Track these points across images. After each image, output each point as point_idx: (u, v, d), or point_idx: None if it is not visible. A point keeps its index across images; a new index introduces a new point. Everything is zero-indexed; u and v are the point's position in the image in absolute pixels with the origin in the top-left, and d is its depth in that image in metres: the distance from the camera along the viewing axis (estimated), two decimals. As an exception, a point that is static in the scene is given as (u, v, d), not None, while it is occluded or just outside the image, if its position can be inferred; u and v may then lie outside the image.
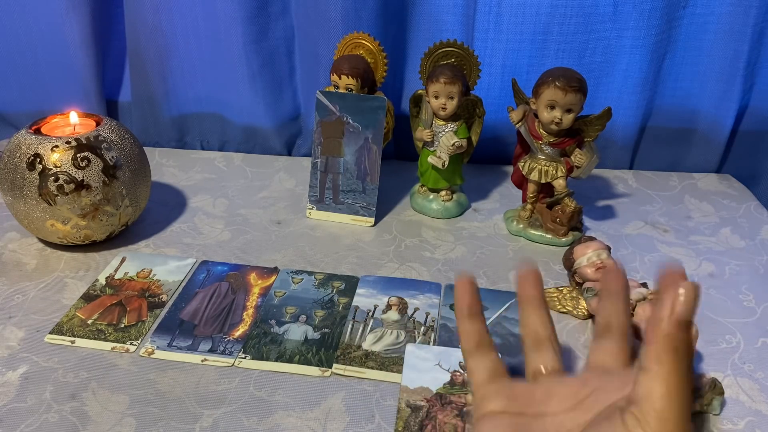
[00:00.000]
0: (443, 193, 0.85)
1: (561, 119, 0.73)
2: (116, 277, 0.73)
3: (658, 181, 0.96)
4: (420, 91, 0.83)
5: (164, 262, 0.75)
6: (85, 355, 0.62)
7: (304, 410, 0.56)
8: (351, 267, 0.75)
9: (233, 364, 0.61)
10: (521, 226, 0.82)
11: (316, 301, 0.69)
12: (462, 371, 0.59)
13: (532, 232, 0.81)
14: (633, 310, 0.61)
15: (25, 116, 1.03)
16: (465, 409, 0.55)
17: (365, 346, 0.63)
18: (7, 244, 0.79)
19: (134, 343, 0.63)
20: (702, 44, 0.90)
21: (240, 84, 0.98)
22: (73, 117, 0.78)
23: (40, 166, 0.70)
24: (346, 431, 0.54)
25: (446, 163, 0.81)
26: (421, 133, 0.83)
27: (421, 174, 0.86)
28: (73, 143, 0.71)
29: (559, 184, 0.78)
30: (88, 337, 0.64)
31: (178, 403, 0.56)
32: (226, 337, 0.64)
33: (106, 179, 0.72)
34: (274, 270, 0.74)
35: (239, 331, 0.65)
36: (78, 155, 0.71)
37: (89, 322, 0.66)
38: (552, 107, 0.73)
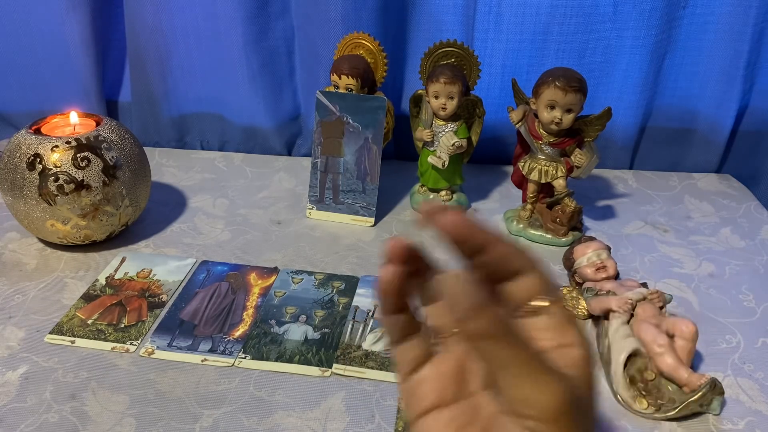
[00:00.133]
0: (443, 193, 0.85)
1: (561, 119, 0.73)
2: (116, 277, 0.73)
3: (658, 181, 0.96)
4: (420, 91, 0.83)
5: (164, 262, 0.75)
6: (85, 355, 0.62)
7: (304, 410, 0.56)
8: (351, 267, 0.75)
9: (233, 364, 0.61)
10: (521, 226, 0.82)
11: (316, 301, 0.69)
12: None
13: (532, 232, 0.81)
14: (633, 310, 0.61)
15: (25, 116, 1.03)
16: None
17: (365, 346, 0.63)
18: (7, 244, 0.79)
19: (134, 343, 0.63)
20: (702, 44, 0.90)
21: (240, 84, 0.98)
22: (73, 117, 0.78)
23: (40, 166, 0.70)
24: (346, 431, 0.54)
25: (446, 163, 0.81)
26: (421, 133, 0.82)
27: (421, 174, 0.86)
28: (73, 143, 0.71)
29: (559, 184, 0.78)
30: (88, 337, 0.64)
31: (178, 403, 0.56)
32: (226, 337, 0.64)
33: (106, 179, 0.72)
34: (274, 270, 0.74)
35: (239, 331, 0.65)
36: (78, 155, 0.71)
37: (89, 322, 0.66)
38: (552, 107, 0.73)
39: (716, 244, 0.81)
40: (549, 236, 0.80)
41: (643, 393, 0.56)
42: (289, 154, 1.04)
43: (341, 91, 0.81)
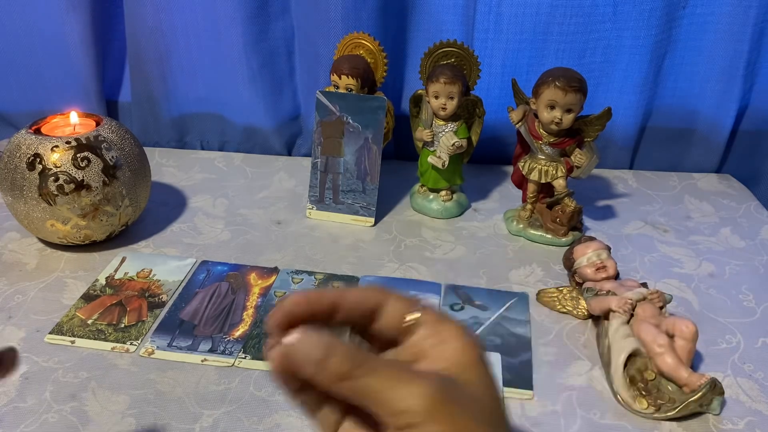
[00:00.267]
0: (443, 193, 0.85)
1: (561, 119, 0.73)
2: (116, 277, 0.73)
3: (658, 181, 0.96)
4: (420, 91, 0.83)
5: (164, 262, 0.75)
6: (85, 355, 0.62)
7: (304, 410, 0.56)
8: (351, 267, 0.75)
9: (233, 364, 0.61)
10: (521, 226, 0.82)
11: (316, 301, 0.69)
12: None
13: (532, 232, 0.81)
14: (633, 310, 0.61)
15: (25, 116, 1.03)
16: None
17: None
18: (7, 244, 0.79)
19: (134, 343, 0.63)
20: (702, 44, 0.90)
21: (240, 84, 0.98)
22: (73, 117, 0.78)
23: (40, 166, 0.70)
24: (346, 431, 0.54)
25: (446, 163, 0.81)
26: (421, 133, 0.82)
27: (421, 174, 0.86)
28: (73, 143, 0.71)
29: (559, 184, 0.78)
30: (88, 337, 0.64)
31: (178, 403, 0.56)
32: (226, 337, 0.64)
33: (106, 179, 0.72)
34: (274, 270, 0.74)
35: (239, 331, 0.65)
36: (78, 155, 0.71)
37: (89, 322, 0.66)
38: (552, 107, 0.73)
39: (716, 244, 0.81)
40: (549, 236, 0.80)
41: (643, 393, 0.56)
42: (289, 154, 1.04)
43: (341, 91, 0.81)
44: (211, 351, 0.62)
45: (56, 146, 0.71)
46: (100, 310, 0.68)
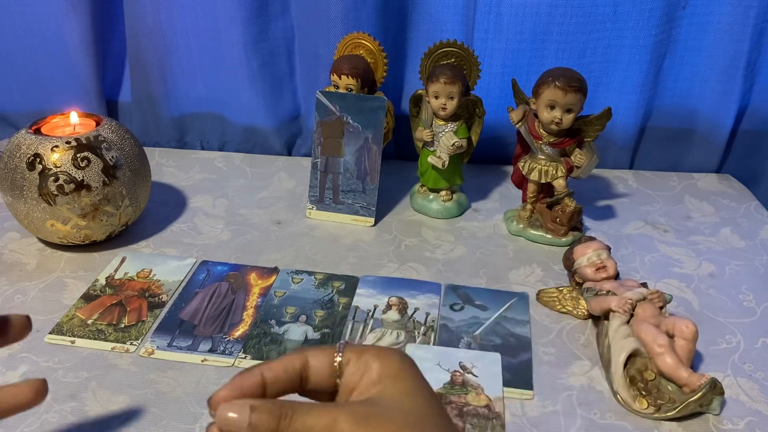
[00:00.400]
0: (443, 193, 0.85)
1: (561, 119, 0.73)
2: (116, 277, 0.73)
3: (658, 181, 0.96)
4: (420, 91, 0.83)
5: (164, 262, 0.75)
6: (85, 355, 0.62)
7: (304, 410, 0.56)
8: (351, 267, 0.75)
9: (233, 364, 0.61)
10: (521, 226, 0.82)
11: (316, 301, 0.69)
12: (462, 371, 0.59)
13: (532, 232, 0.81)
14: (633, 310, 0.61)
15: (25, 116, 1.03)
16: (465, 409, 0.55)
17: (365, 346, 0.63)
18: (7, 244, 0.79)
19: (134, 343, 0.63)
20: (702, 44, 0.90)
21: (240, 84, 0.98)
22: (73, 117, 0.78)
23: (40, 166, 0.70)
24: (346, 431, 0.54)
25: (446, 163, 0.81)
26: (421, 133, 0.83)
27: (421, 174, 0.86)
28: (73, 143, 0.71)
29: (559, 184, 0.78)
30: (88, 337, 0.64)
31: (178, 403, 0.56)
32: (226, 337, 0.64)
33: (106, 179, 0.72)
34: (274, 270, 0.74)
35: (239, 331, 0.65)
36: (78, 155, 0.71)
37: (89, 322, 0.66)
38: (552, 107, 0.73)
39: (716, 244, 0.81)
40: (549, 236, 0.80)
41: (643, 393, 0.56)
42: (289, 154, 1.04)
43: (341, 91, 0.81)
44: (211, 351, 0.62)
45: (56, 146, 0.71)
46: (100, 310, 0.68)
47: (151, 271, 0.74)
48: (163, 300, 0.69)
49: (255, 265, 0.75)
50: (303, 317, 0.67)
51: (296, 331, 0.65)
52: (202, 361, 0.61)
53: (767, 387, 0.59)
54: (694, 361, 0.60)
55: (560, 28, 0.88)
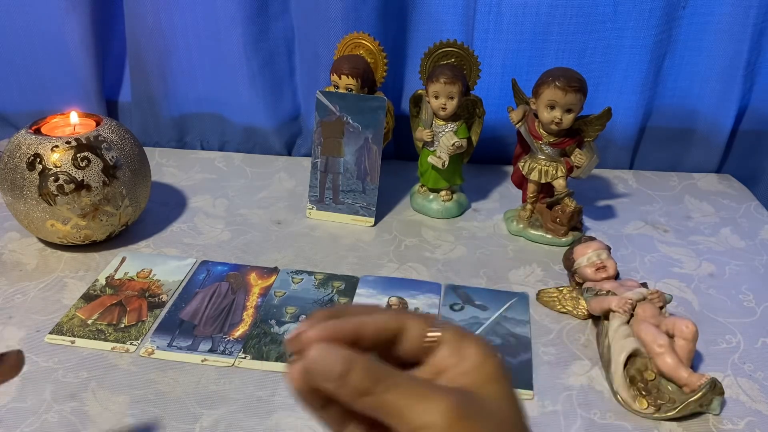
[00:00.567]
0: (443, 193, 0.85)
1: (561, 119, 0.73)
2: (116, 277, 0.73)
3: (658, 181, 0.96)
4: (420, 91, 0.83)
5: (164, 262, 0.75)
6: (85, 355, 0.62)
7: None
8: (351, 267, 0.75)
9: (233, 364, 0.61)
10: (521, 226, 0.82)
11: (316, 301, 0.69)
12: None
13: (532, 232, 0.81)
14: (633, 310, 0.61)
15: (25, 116, 1.03)
16: None
17: (365, 346, 0.63)
18: (7, 244, 0.79)
19: (134, 343, 0.63)
20: (702, 44, 0.90)
21: (240, 84, 0.98)
22: (73, 117, 0.78)
23: (40, 166, 0.70)
24: (346, 431, 0.54)
25: (446, 163, 0.81)
26: (421, 133, 0.83)
27: (421, 174, 0.86)
28: (73, 143, 0.71)
29: (559, 184, 0.78)
30: (88, 337, 0.64)
31: (178, 403, 0.56)
32: (226, 337, 0.64)
33: (106, 179, 0.72)
34: (274, 270, 0.74)
35: (239, 331, 0.65)
36: (78, 155, 0.71)
37: (89, 322, 0.66)
38: (552, 107, 0.73)
39: (716, 244, 0.81)
40: (549, 236, 0.80)
41: (643, 393, 0.56)
42: (289, 154, 1.04)
43: (341, 91, 0.81)
44: (211, 351, 0.62)
45: (56, 146, 0.71)
46: (100, 310, 0.68)
47: (151, 271, 0.74)
48: (163, 300, 0.69)
49: (255, 265, 0.75)
50: (303, 317, 0.67)
51: (296, 331, 0.65)
52: (202, 361, 0.61)
53: (767, 387, 0.59)
54: (694, 361, 0.60)
55: (560, 28, 0.88)
